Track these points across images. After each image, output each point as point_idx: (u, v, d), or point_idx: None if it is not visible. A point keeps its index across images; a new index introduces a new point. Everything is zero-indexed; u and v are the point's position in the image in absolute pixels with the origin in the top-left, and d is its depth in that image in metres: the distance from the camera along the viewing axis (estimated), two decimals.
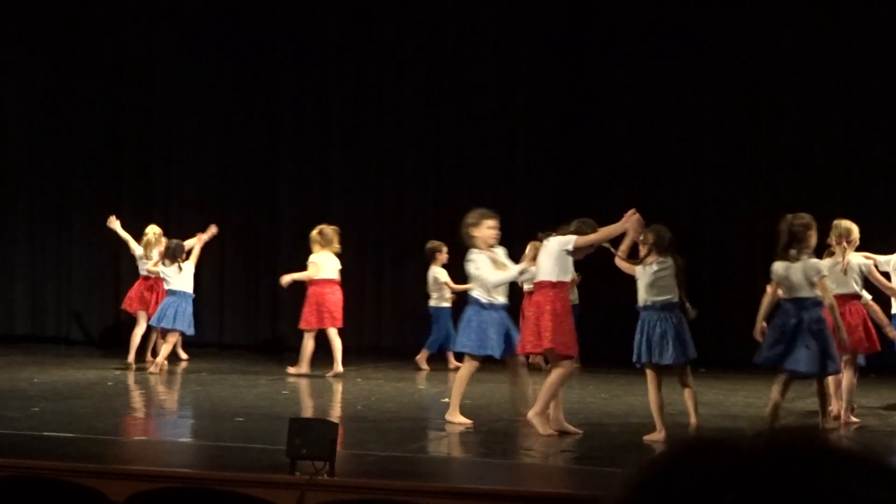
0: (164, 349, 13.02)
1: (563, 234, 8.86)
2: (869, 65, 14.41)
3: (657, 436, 8.65)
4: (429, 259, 13.49)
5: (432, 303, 13.52)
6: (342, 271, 12.93)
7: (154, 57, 16.26)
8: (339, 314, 12.74)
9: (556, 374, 8.74)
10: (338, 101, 15.96)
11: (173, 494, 5.84)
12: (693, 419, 8.73)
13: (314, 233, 12.80)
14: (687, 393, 8.80)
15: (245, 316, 15.80)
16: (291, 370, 12.72)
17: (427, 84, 15.64)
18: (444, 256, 13.30)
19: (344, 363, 12.73)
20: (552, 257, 8.78)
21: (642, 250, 8.93)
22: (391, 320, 15.62)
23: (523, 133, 15.47)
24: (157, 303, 13.38)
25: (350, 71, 15.79)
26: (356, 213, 15.54)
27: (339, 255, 12.85)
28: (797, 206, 14.62)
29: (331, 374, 12.50)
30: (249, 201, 16.02)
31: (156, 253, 13.41)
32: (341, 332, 12.77)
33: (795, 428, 0.89)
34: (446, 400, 10.77)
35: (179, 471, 6.76)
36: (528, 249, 10.87)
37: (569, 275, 8.96)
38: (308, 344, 12.70)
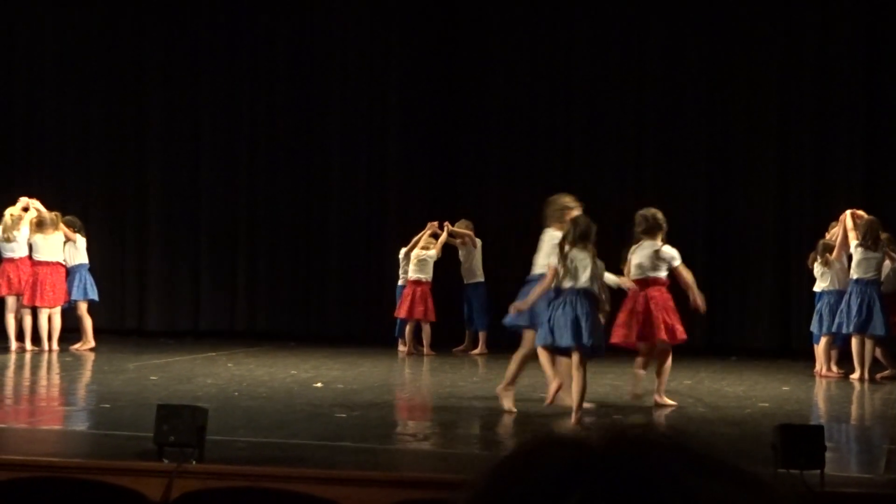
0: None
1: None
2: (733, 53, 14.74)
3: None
4: None
5: None
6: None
7: (14, 32, 15.90)
8: (57, 294, 13.12)
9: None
10: (208, 87, 15.78)
11: (35, 484, 5.67)
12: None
13: (33, 219, 13.08)
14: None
15: (112, 301, 15.47)
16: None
17: (300, 80, 15.59)
18: None
19: (216, 348, 12.70)
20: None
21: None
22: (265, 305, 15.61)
23: (396, 133, 15.44)
24: (29, 283, 13.10)
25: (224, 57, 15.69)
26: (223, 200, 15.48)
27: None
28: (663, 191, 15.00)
29: (34, 349, 13.04)
30: (115, 181, 15.83)
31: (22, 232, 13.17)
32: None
33: (640, 425, 0.89)
34: (319, 385, 10.72)
35: (41, 459, 6.56)
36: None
37: None
38: (26, 320, 13.18)
